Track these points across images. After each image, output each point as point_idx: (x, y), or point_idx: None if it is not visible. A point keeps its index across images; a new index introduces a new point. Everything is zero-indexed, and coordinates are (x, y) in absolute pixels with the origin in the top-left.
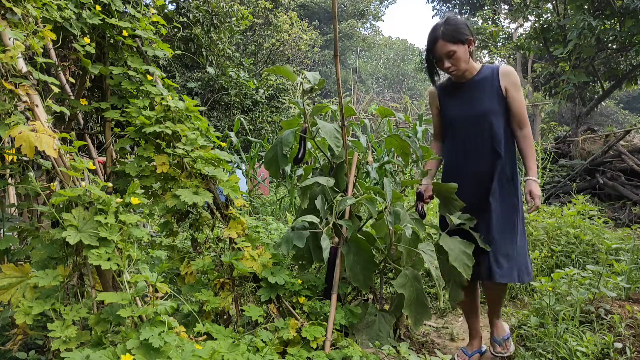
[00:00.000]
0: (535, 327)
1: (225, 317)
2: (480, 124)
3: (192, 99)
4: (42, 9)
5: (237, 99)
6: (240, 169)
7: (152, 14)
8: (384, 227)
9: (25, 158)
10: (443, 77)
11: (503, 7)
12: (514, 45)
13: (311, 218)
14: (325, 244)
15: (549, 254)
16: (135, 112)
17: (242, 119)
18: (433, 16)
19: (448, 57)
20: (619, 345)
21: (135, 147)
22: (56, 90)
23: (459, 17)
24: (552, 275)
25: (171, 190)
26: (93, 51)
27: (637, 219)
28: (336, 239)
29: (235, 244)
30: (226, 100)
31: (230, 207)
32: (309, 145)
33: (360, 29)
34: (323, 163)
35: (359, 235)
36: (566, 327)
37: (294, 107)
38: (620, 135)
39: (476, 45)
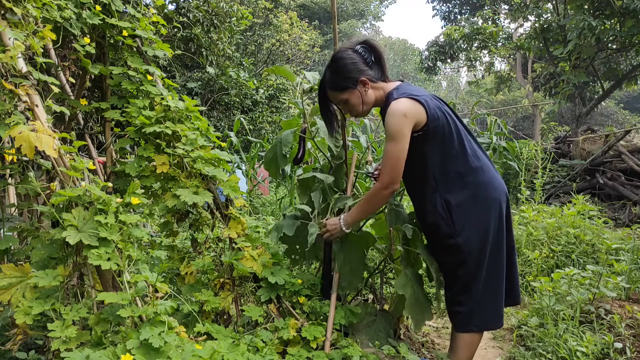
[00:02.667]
0: (535, 327)
1: (225, 317)
2: None
3: (192, 99)
4: (42, 9)
5: (237, 99)
6: (240, 169)
7: (152, 14)
8: (384, 227)
9: (25, 158)
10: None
11: (503, 7)
12: (514, 45)
13: (305, 207)
14: (313, 229)
15: (549, 254)
16: (135, 112)
17: (242, 119)
18: (433, 16)
19: (343, 104)
20: (619, 345)
21: (135, 147)
22: (56, 90)
23: (349, 54)
24: (552, 275)
25: (171, 190)
26: (93, 51)
27: (637, 219)
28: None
29: (235, 244)
30: (226, 100)
31: (230, 207)
32: (308, 145)
33: (360, 29)
34: (323, 163)
35: (353, 233)
36: (566, 327)
37: (294, 107)
38: (620, 135)
39: (476, 45)
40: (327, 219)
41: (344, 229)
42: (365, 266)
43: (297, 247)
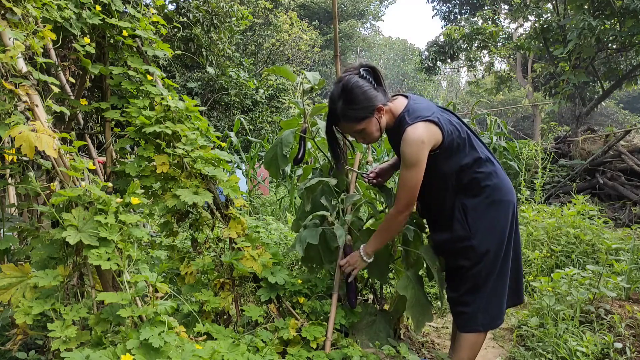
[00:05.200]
0: (535, 327)
1: (225, 317)
2: None
3: (192, 99)
4: (42, 9)
5: (237, 99)
6: (240, 169)
7: (152, 14)
8: None
9: (25, 158)
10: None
11: (503, 7)
12: (514, 45)
13: (322, 213)
14: (340, 232)
15: (549, 254)
16: (135, 112)
17: (242, 119)
18: (433, 16)
19: (358, 134)
20: (619, 345)
21: (135, 147)
22: (56, 90)
23: (359, 81)
24: (552, 275)
25: (171, 190)
26: (93, 51)
27: (637, 219)
28: (348, 237)
29: (235, 244)
30: (226, 100)
31: (230, 207)
32: (308, 145)
33: (360, 29)
34: (323, 163)
35: (370, 227)
36: (566, 327)
37: (294, 107)
38: (620, 135)
39: (476, 45)
40: (344, 259)
41: (365, 259)
42: (390, 255)
43: (319, 252)
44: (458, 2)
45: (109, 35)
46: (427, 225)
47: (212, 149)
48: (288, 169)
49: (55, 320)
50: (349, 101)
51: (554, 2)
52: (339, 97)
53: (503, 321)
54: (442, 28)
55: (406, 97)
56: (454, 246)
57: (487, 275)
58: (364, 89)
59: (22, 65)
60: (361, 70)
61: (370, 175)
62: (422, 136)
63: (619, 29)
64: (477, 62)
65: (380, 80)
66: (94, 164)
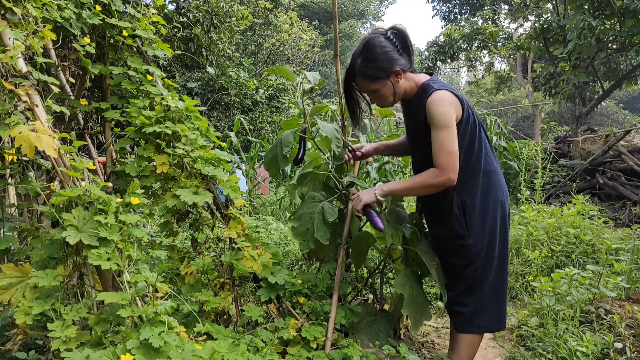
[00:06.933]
0: (535, 327)
1: (225, 317)
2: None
3: (192, 99)
4: (42, 9)
5: (237, 99)
6: (240, 169)
7: (152, 14)
8: None
9: (25, 158)
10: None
11: (503, 7)
12: (514, 45)
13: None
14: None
15: (549, 254)
16: (135, 112)
17: (242, 119)
18: (433, 16)
19: (372, 94)
20: (619, 345)
21: (135, 147)
22: (56, 90)
23: (382, 42)
24: (552, 275)
25: (171, 190)
26: (93, 51)
27: (637, 219)
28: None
29: (235, 244)
30: (226, 100)
31: (230, 207)
32: (308, 145)
33: (360, 29)
34: (322, 163)
35: (358, 233)
36: (566, 327)
37: (294, 107)
38: (620, 135)
39: (476, 45)
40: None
41: (377, 194)
42: (367, 248)
43: (308, 228)
44: (458, 2)
45: (109, 35)
46: (424, 219)
47: (212, 149)
48: (288, 169)
49: (55, 320)
50: (368, 59)
51: (554, 2)
52: (359, 54)
53: (505, 327)
54: (442, 28)
55: (430, 74)
56: (449, 243)
57: (483, 275)
58: (385, 50)
59: (22, 65)
60: (389, 32)
61: (359, 147)
62: (448, 99)
63: (619, 29)
64: (477, 62)
65: (407, 47)
66: (94, 164)
